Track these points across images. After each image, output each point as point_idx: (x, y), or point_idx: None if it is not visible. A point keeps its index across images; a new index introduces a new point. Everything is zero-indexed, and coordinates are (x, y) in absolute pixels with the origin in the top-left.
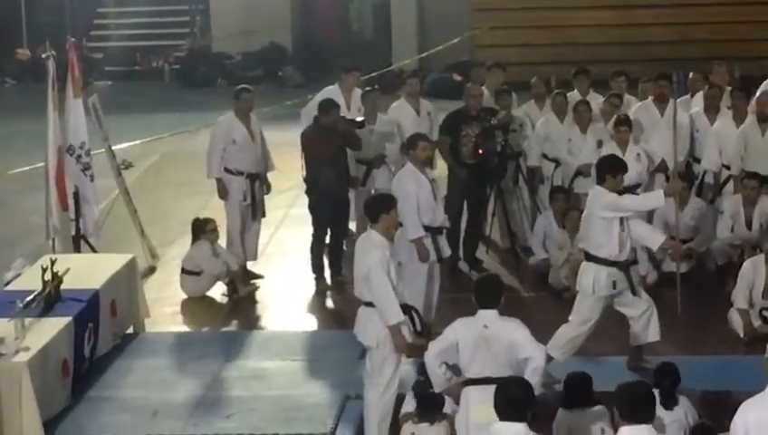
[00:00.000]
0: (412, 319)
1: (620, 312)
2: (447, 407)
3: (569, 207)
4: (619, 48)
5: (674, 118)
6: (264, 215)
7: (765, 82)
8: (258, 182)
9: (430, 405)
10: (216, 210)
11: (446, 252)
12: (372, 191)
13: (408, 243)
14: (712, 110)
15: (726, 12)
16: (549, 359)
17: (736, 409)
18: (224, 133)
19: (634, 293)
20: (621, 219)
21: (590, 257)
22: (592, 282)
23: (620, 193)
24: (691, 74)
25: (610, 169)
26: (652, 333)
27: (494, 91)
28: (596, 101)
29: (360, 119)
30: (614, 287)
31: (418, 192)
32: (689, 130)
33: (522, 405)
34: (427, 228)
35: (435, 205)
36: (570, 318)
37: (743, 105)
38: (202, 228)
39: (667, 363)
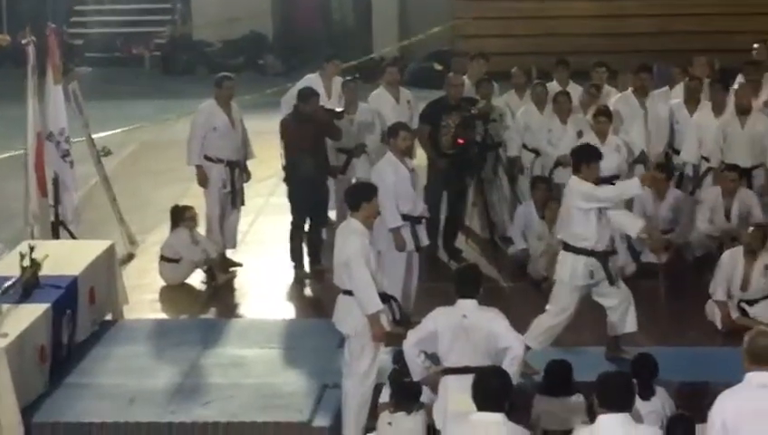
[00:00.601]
0: (391, 308)
1: (598, 302)
2: (425, 396)
3: (549, 197)
4: (600, 39)
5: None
6: (243, 203)
7: (741, 75)
8: (238, 170)
9: (406, 394)
10: (196, 198)
11: (425, 241)
12: (353, 180)
13: (387, 232)
14: (692, 102)
15: (707, 3)
16: (527, 349)
17: (714, 400)
18: (204, 121)
19: (612, 283)
20: (600, 209)
21: (567, 247)
22: (569, 271)
23: (597, 181)
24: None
25: (585, 158)
26: (629, 324)
27: (475, 81)
28: (576, 91)
29: (339, 109)
30: (591, 277)
31: (397, 181)
32: (669, 122)
33: (499, 395)
34: (406, 218)
35: (414, 194)
36: (547, 307)
37: (722, 97)
38: (181, 216)
39: (645, 354)
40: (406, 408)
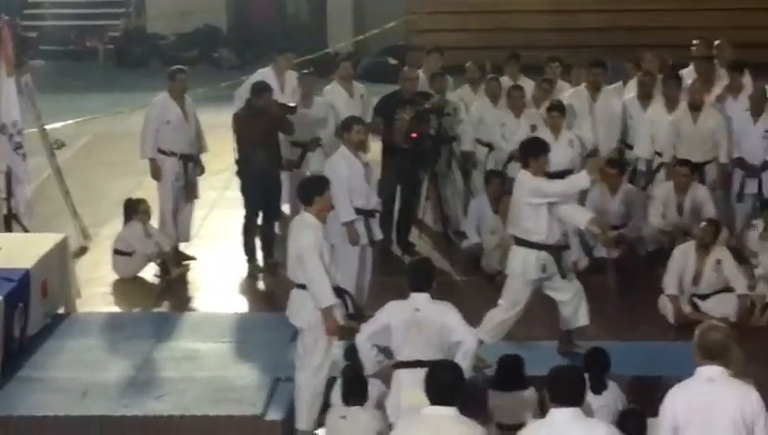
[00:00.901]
0: (345, 302)
1: (550, 296)
2: (378, 390)
3: (502, 191)
4: (553, 34)
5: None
6: (197, 196)
7: (687, 70)
8: (191, 163)
9: (354, 388)
10: (149, 191)
11: (378, 235)
12: (307, 174)
13: (340, 226)
14: (645, 97)
15: None
16: (480, 343)
17: (666, 394)
18: (158, 113)
19: (564, 277)
20: (549, 203)
21: (519, 241)
22: (521, 265)
23: (546, 175)
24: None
25: (532, 152)
26: (581, 318)
27: (430, 75)
28: (528, 86)
29: (292, 104)
30: (543, 271)
31: (351, 175)
32: (622, 117)
33: (452, 389)
34: (359, 211)
35: (367, 188)
36: (499, 301)
37: (674, 93)
38: (134, 208)
39: (598, 349)
40: (357, 401)
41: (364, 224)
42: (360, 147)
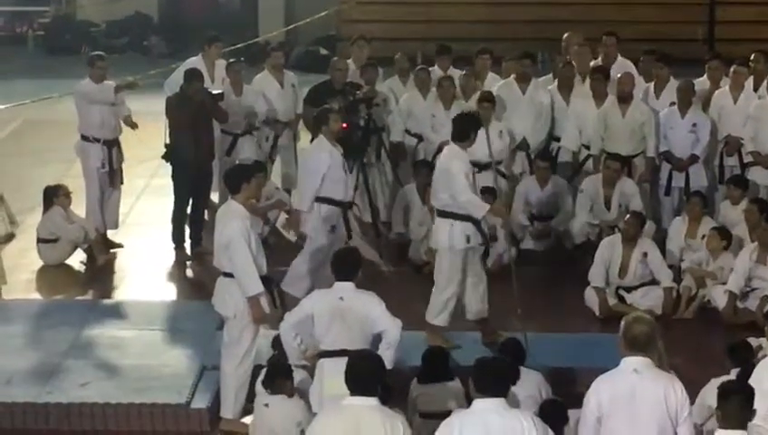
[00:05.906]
0: (272, 293)
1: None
2: (299, 378)
3: (430, 182)
4: (484, 26)
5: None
6: (122, 181)
7: (619, 62)
8: (116, 149)
9: (278, 376)
10: (77, 178)
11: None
12: (237, 162)
13: (314, 218)
14: (565, 87)
15: None
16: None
17: (590, 385)
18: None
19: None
20: None
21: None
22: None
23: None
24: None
25: (473, 127)
26: (482, 311)
27: (360, 65)
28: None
29: (216, 92)
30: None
31: (332, 166)
32: (551, 110)
33: (372, 379)
34: (337, 203)
35: (345, 178)
36: None
37: (602, 86)
38: (54, 194)
39: (512, 339)
40: (282, 390)
41: (342, 217)
42: (338, 136)
